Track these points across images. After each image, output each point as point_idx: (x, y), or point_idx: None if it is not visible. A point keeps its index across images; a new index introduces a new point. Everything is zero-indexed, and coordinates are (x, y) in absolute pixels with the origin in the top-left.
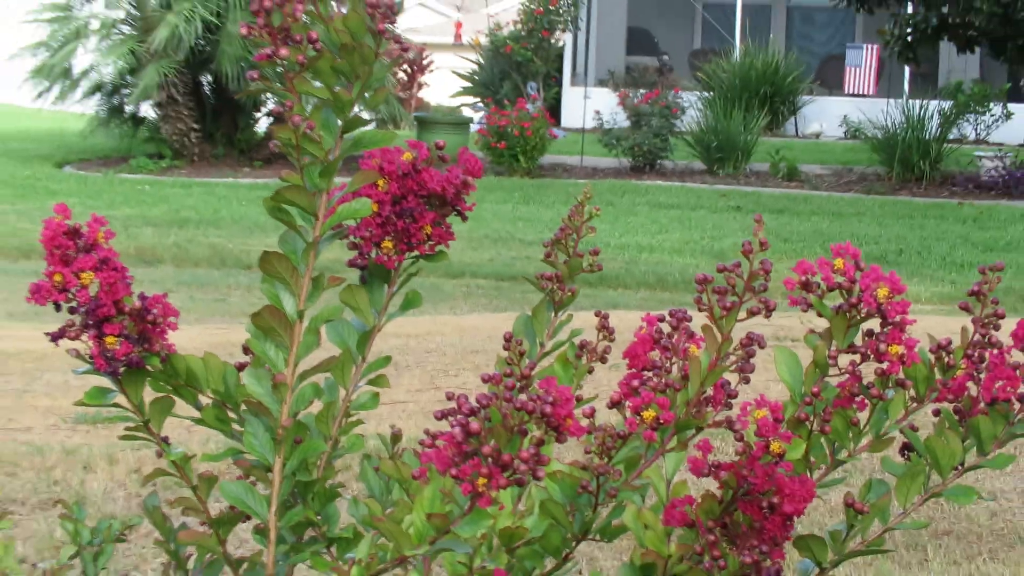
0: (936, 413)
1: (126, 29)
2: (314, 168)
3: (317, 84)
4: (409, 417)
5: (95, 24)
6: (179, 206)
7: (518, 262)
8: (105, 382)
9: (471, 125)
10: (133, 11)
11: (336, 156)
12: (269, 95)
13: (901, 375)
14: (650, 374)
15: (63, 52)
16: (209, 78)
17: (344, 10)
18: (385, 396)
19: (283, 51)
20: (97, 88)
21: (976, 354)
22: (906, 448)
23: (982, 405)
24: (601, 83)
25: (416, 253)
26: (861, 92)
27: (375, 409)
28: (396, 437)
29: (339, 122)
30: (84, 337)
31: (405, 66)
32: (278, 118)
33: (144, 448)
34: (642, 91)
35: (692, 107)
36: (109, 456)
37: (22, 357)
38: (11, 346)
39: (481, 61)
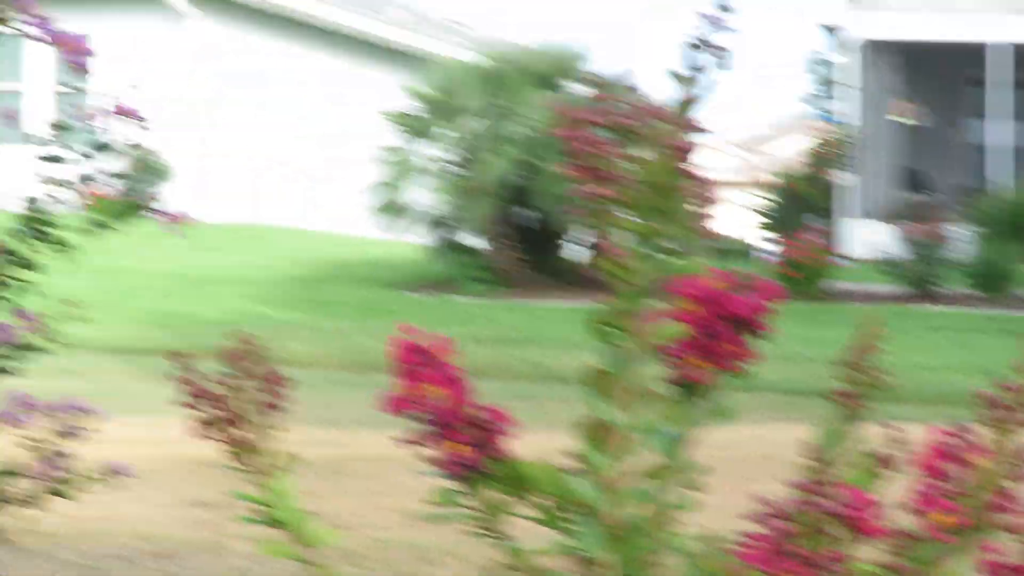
0: None
1: (456, 169)
2: (628, 293)
3: (629, 218)
4: (716, 518)
5: (430, 165)
6: (502, 326)
7: (807, 379)
8: (449, 484)
9: (762, 254)
10: (464, 154)
11: (648, 282)
12: (581, 226)
13: None
14: (942, 482)
15: (401, 190)
16: (529, 212)
17: (649, 152)
18: (696, 498)
19: (596, 189)
20: (431, 221)
21: None
22: None
23: None
24: (877, 216)
25: (721, 370)
26: None
27: (691, 511)
28: (710, 538)
29: (649, 252)
30: (429, 443)
31: (703, 201)
32: (597, 249)
33: (483, 544)
34: (916, 224)
35: (963, 239)
36: (452, 552)
37: (367, 460)
38: (357, 451)
39: (768, 197)
